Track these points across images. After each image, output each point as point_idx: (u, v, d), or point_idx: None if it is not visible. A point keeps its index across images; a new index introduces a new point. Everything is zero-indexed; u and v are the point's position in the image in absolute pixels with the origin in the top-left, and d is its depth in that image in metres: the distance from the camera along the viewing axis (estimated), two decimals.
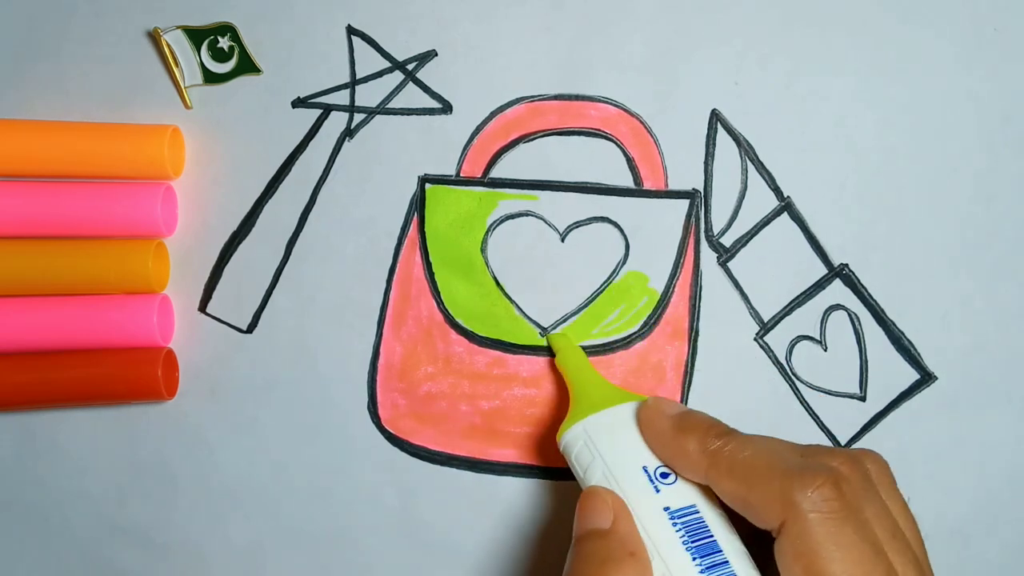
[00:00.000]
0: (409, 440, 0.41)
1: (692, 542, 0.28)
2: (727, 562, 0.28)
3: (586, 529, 0.30)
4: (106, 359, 0.40)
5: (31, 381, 0.40)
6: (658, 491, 0.30)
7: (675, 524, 0.29)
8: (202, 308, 0.42)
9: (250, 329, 0.41)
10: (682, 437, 0.30)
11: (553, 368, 0.40)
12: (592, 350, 0.40)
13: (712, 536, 0.29)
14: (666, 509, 0.29)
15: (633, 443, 0.31)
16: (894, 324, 0.39)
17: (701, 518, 0.29)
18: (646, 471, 0.30)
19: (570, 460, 0.33)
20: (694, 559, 0.28)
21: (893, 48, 0.38)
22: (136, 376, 0.40)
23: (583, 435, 0.33)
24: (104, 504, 0.42)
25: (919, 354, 0.38)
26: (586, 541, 0.29)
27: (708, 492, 0.30)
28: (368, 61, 0.41)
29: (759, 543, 0.29)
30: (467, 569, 0.41)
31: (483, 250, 0.40)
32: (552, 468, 0.40)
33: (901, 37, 0.38)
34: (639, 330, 0.39)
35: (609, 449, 0.32)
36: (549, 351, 0.40)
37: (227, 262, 0.41)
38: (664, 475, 0.30)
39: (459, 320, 0.40)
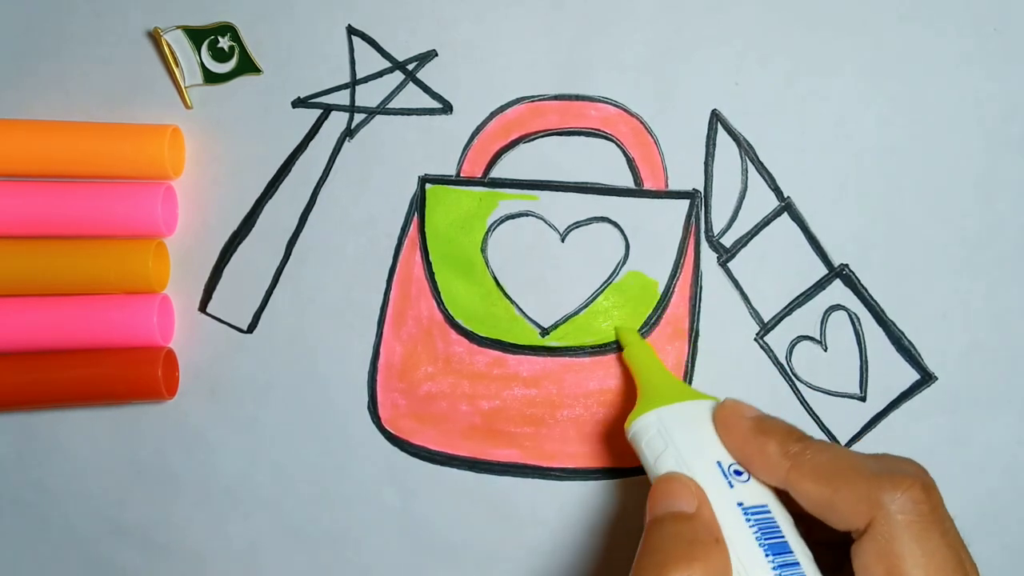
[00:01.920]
0: (409, 440, 0.41)
1: (766, 539, 0.28)
2: (798, 563, 0.28)
3: (668, 511, 0.29)
4: (106, 359, 0.40)
5: (31, 381, 0.40)
6: (732, 486, 0.30)
7: (748, 520, 0.29)
8: (202, 308, 0.42)
9: (250, 329, 0.41)
10: (762, 439, 0.30)
11: (553, 368, 0.40)
12: (592, 350, 0.40)
13: (783, 536, 0.29)
14: (740, 504, 0.29)
15: (708, 438, 0.31)
16: (894, 324, 0.39)
17: (773, 518, 0.29)
18: (720, 466, 0.30)
19: (639, 446, 0.33)
20: (767, 555, 0.28)
21: (893, 48, 0.38)
22: (136, 376, 0.40)
23: (657, 423, 0.32)
24: (104, 504, 0.42)
25: (919, 354, 0.38)
26: (669, 522, 0.29)
27: (778, 496, 0.30)
28: (368, 61, 0.41)
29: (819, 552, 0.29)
30: (467, 569, 0.41)
31: (483, 250, 0.40)
32: (552, 468, 0.40)
33: (901, 37, 0.38)
34: (639, 330, 0.39)
35: (685, 441, 0.32)
36: (549, 351, 0.40)
37: (227, 262, 0.41)
38: (738, 472, 0.30)
39: (459, 320, 0.40)
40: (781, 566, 0.28)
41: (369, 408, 0.41)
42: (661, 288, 0.39)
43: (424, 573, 0.41)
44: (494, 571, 0.41)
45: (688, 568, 0.27)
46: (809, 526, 0.29)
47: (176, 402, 0.42)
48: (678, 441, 0.32)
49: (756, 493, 0.30)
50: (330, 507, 0.41)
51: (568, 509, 0.40)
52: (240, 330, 0.41)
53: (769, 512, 0.29)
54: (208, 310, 0.42)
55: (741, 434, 0.31)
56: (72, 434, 0.42)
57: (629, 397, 0.39)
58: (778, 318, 0.39)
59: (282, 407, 0.41)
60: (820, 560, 0.29)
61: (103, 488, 0.42)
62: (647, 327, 0.39)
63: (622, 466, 0.40)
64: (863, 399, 0.39)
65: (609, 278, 0.40)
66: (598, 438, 0.40)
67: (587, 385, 0.40)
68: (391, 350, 0.41)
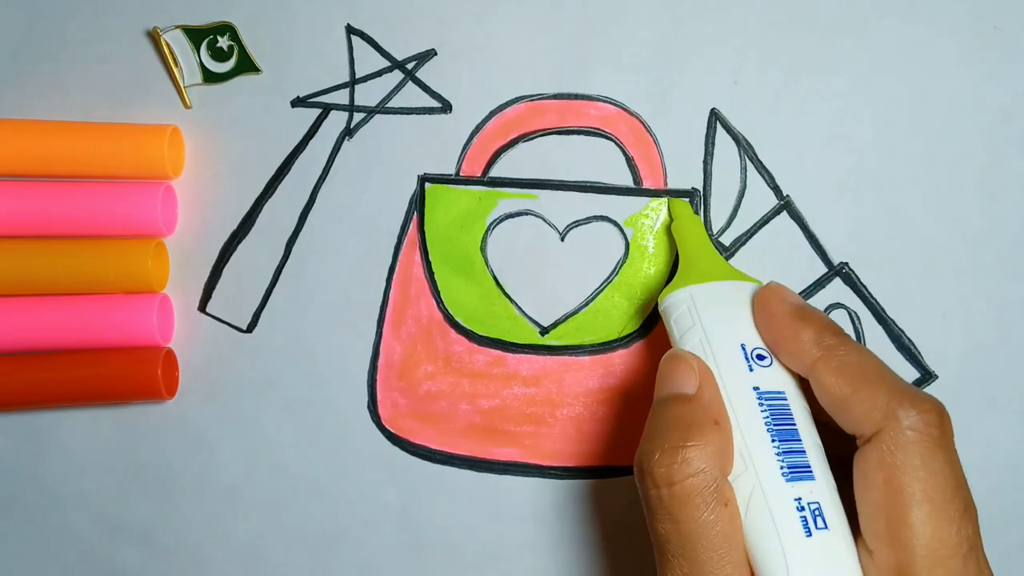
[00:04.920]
0: (409, 439, 0.41)
1: (775, 425, 0.28)
2: (804, 452, 0.28)
3: (670, 392, 0.30)
4: (106, 359, 0.40)
5: (31, 381, 0.40)
6: (751, 370, 0.30)
7: (761, 404, 0.29)
8: (202, 308, 0.42)
9: (250, 329, 0.41)
10: (800, 324, 0.30)
11: (553, 367, 0.40)
12: (592, 349, 0.40)
13: (794, 424, 0.29)
14: (755, 388, 0.29)
15: (737, 320, 0.31)
16: (894, 323, 0.38)
17: (787, 405, 0.29)
18: (743, 348, 0.30)
19: (668, 321, 0.33)
20: (773, 440, 0.28)
21: (893, 48, 0.38)
22: (136, 376, 0.40)
23: (688, 300, 0.32)
24: (104, 504, 0.42)
25: (919, 353, 0.38)
26: (670, 405, 0.29)
27: (798, 387, 0.30)
28: (368, 60, 0.41)
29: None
30: (467, 569, 0.41)
31: (483, 249, 0.40)
32: (553, 467, 0.40)
33: (901, 36, 0.38)
34: (639, 329, 0.39)
35: (711, 320, 0.31)
36: (548, 350, 0.40)
37: (227, 262, 0.41)
38: (760, 357, 0.30)
39: (459, 319, 0.40)
40: (785, 452, 0.28)
41: (369, 407, 0.41)
42: (661, 287, 0.39)
43: (424, 572, 0.41)
44: (494, 570, 0.41)
45: (682, 452, 0.27)
46: (820, 432, 0.29)
47: (176, 402, 0.42)
48: (706, 320, 0.31)
49: (776, 379, 0.30)
50: (330, 507, 0.41)
51: (568, 508, 0.40)
52: (240, 330, 0.41)
53: (785, 399, 0.29)
54: (208, 310, 0.42)
55: (779, 317, 0.30)
56: (72, 434, 0.42)
57: (629, 396, 0.39)
58: None
59: (282, 407, 0.41)
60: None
61: (103, 488, 0.42)
62: (647, 326, 0.39)
63: (622, 464, 0.40)
64: None
65: (609, 277, 0.40)
66: (598, 437, 0.40)
67: (587, 384, 0.40)
68: (391, 349, 0.41)
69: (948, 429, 0.27)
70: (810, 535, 0.27)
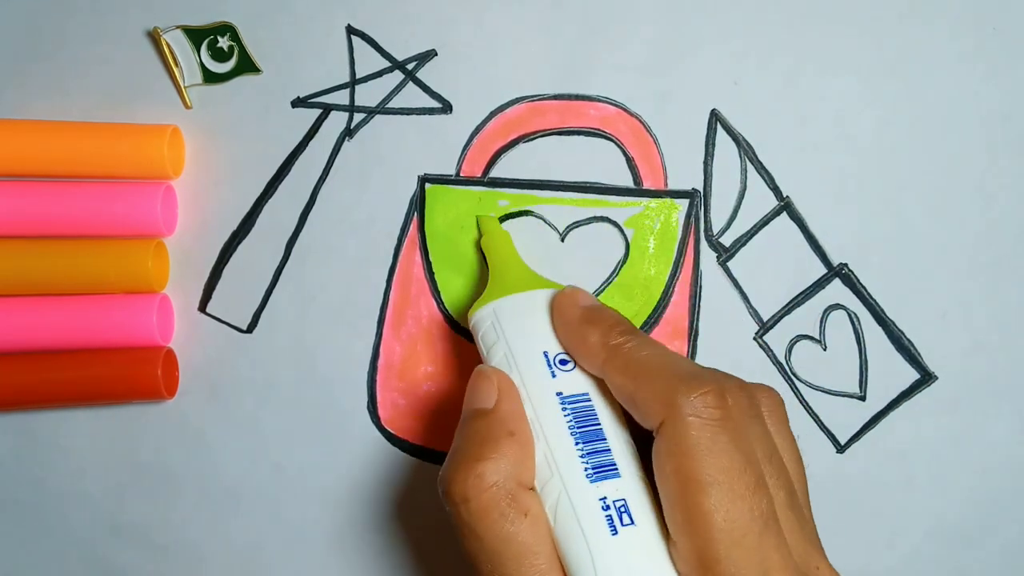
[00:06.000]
0: (409, 440, 0.41)
1: (578, 427, 0.29)
2: (609, 450, 0.28)
3: (471, 408, 0.30)
4: (106, 359, 0.40)
5: (31, 381, 0.40)
6: (554, 376, 0.30)
7: (564, 409, 0.29)
8: (202, 308, 0.42)
9: (250, 329, 0.41)
10: (587, 327, 0.30)
11: None
12: None
13: (599, 424, 0.29)
14: (559, 394, 0.29)
15: (539, 328, 0.32)
16: (894, 324, 0.39)
17: (591, 406, 0.29)
18: (546, 356, 0.31)
19: (477, 338, 0.33)
20: (576, 443, 0.28)
21: (893, 47, 0.38)
22: (136, 376, 0.40)
23: (491, 315, 0.33)
24: (104, 504, 0.42)
25: (919, 353, 0.38)
26: (468, 422, 0.30)
27: (604, 386, 0.30)
28: (368, 61, 0.41)
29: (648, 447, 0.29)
30: (467, 569, 0.41)
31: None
32: None
33: (901, 36, 0.38)
34: (640, 329, 0.39)
35: (514, 332, 0.32)
36: None
37: (227, 262, 0.41)
38: (563, 362, 0.30)
39: (459, 320, 0.40)
40: (590, 453, 0.28)
41: (369, 408, 0.41)
42: (661, 287, 0.39)
43: (424, 572, 0.41)
44: None
45: (475, 467, 0.28)
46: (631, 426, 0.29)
47: (176, 402, 0.42)
48: (509, 332, 0.32)
49: (578, 383, 0.30)
50: (330, 507, 0.41)
51: None
52: (240, 330, 0.41)
53: (589, 401, 0.29)
54: (208, 310, 0.42)
55: (570, 322, 0.31)
56: (72, 434, 0.42)
57: None
58: (777, 317, 0.39)
59: (282, 407, 0.41)
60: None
61: (103, 488, 0.42)
62: (647, 326, 0.39)
63: None
64: (863, 398, 0.39)
65: (609, 278, 0.40)
66: None
67: None
68: (391, 350, 0.41)
69: (734, 407, 0.27)
70: (616, 533, 0.27)
